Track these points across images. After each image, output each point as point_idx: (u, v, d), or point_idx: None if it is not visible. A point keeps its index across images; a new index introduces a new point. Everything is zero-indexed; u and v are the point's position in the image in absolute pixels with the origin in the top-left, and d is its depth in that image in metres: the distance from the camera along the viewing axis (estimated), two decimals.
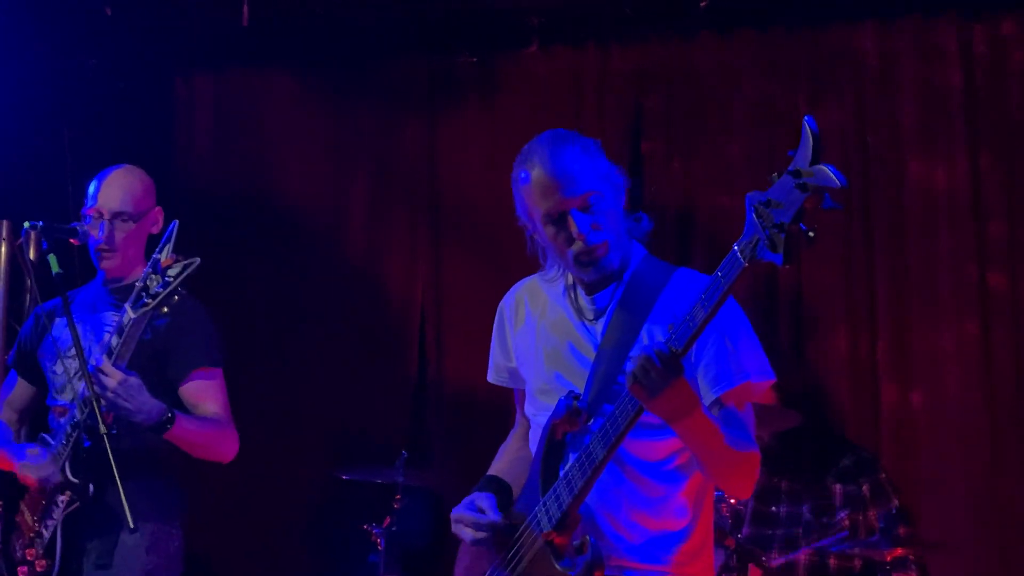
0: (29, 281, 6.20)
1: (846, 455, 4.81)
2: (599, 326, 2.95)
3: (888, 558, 4.24)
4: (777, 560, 4.51)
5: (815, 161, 2.34)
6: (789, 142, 5.75)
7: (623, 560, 2.83)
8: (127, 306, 3.65)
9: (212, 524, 5.40)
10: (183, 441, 3.91)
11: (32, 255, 6.21)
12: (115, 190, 4.09)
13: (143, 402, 3.73)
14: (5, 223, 6.25)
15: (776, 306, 5.47)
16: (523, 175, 2.92)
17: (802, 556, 4.66)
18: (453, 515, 2.96)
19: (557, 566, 2.79)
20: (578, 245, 2.87)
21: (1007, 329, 5.21)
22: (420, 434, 6.22)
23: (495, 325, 3.17)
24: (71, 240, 4.08)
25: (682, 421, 2.67)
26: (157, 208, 4.17)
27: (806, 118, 2.38)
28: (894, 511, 4.53)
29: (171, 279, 3.56)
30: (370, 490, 5.44)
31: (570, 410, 2.86)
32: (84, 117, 6.34)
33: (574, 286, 3.00)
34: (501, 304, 3.17)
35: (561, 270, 3.01)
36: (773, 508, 4.73)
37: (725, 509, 4.57)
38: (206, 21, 6.20)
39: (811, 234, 2.34)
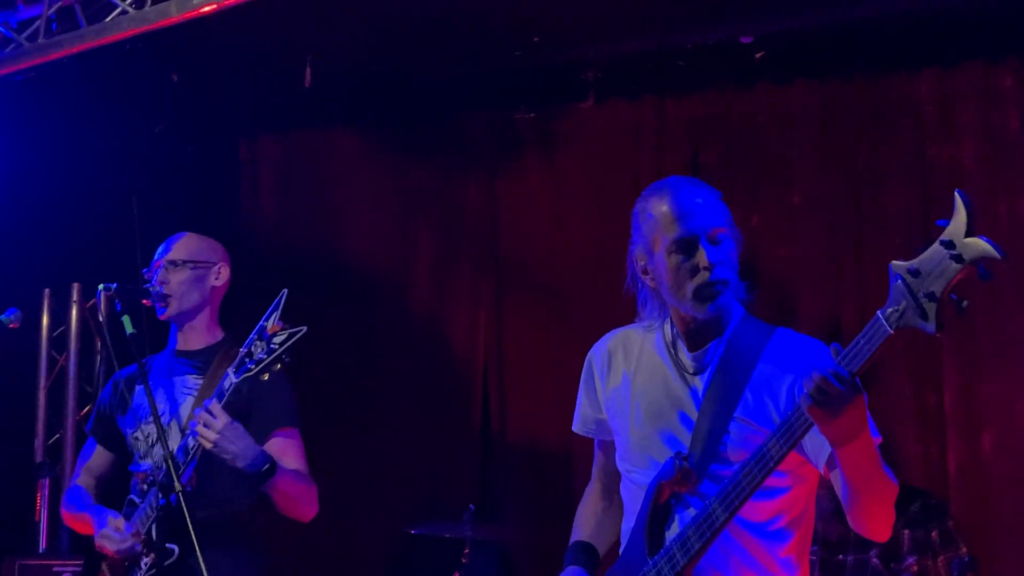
0: (99, 344, 6.39)
1: (914, 501, 4.78)
2: (700, 382, 2.93)
3: None
4: None
5: (970, 233, 2.38)
6: (848, 190, 5.83)
7: None
8: (230, 371, 3.71)
9: None
10: (279, 492, 3.93)
11: (103, 318, 6.37)
12: (175, 243, 4.22)
13: (248, 446, 3.78)
14: (76, 286, 6.40)
15: None
16: (652, 205, 2.92)
17: None
18: None
19: None
20: (703, 276, 2.85)
21: None
22: (487, 488, 6.24)
23: (583, 375, 3.15)
24: (144, 301, 4.14)
25: (852, 443, 2.64)
26: (221, 263, 4.23)
27: (957, 191, 2.41)
28: (966, 559, 4.48)
29: (276, 346, 3.61)
30: (439, 545, 5.45)
31: (680, 471, 2.84)
32: (153, 182, 6.46)
33: (673, 342, 3.00)
34: (590, 354, 3.15)
35: (660, 321, 3.01)
36: (840, 557, 4.69)
37: None
38: (270, 84, 6.33)
39: (964, 304, 2.40)
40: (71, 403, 6.31)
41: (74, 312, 6.36)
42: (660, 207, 2.89)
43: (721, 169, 6.00)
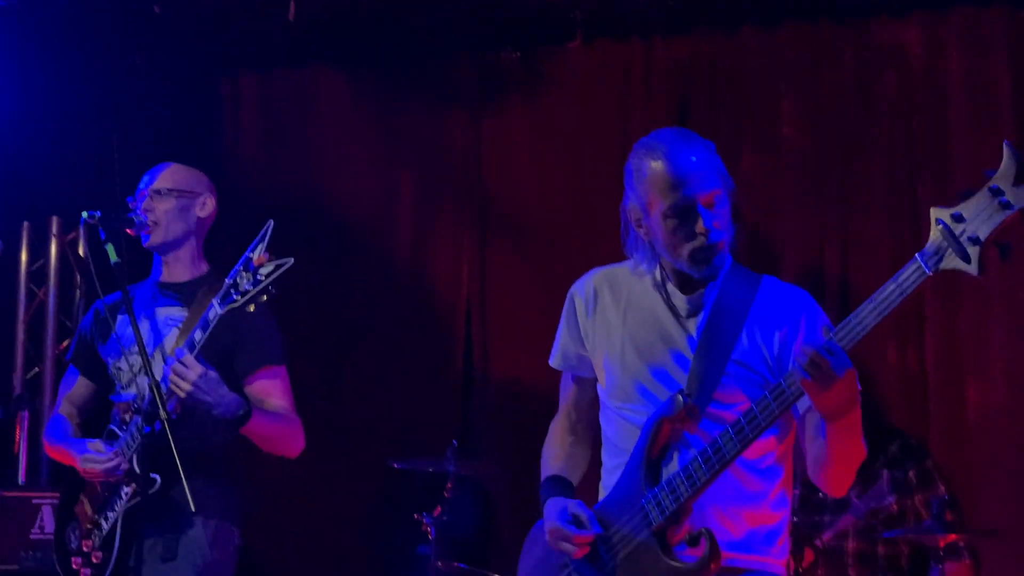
0: (79, 277, 6.36)
1: (894, 441, 4.83)
2: (693, 325, 2.98)
3: (941, 544, 4.23)
4: (828, 536, 4.56)
5: (1019, 182, 2.44)
6: (834, 133, 5.82)
7: (727, 552, 2.87)
8: (215, 301, 3.67)
9: (265, 517, 5.44)
10: (257, 435, 3.94)
11: (82, 251, 6.33)
12: (160, 172, 4.18)
13: (222, 395, 3.77)
14: (55, 219, 6.36)
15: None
16: (647, 167, 2.93)
17: (851, 544, 4.66)
18: (549, 527, 3.01)
19: (666, 559, 2.84)
20: (700, 240, 2.89)
21: None
22: (468, 425, 6.27)
23: (565, 311, 3.17)
24: (127, 231, 4.10)
25: (844, 417, 2.74)
26: (207, 194, 4.19)
27: (1005, 142, 2.49)
28: (945, 497, 4.52)
29: (262, 278, 3.57)
30: (421, 480, 5.47)
31: (684, 408, 2.88)
32: (132, 116, 6.41)
33: (664, 284, 3.03)
34: (573, 290, 3.17)
35: (650, 263, 3.03)
36: (821, 495, 4.73)
37: None
38: (253, 20, 6.26)
39: (1010, 247, 2.47)
40: (50, 337, 6.29)
41: (53, 246, 6.32)
42: (655, 169, 2.91)
43: (708, 111, 6.00)
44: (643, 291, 3.05)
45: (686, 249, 2.90)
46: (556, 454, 3.22)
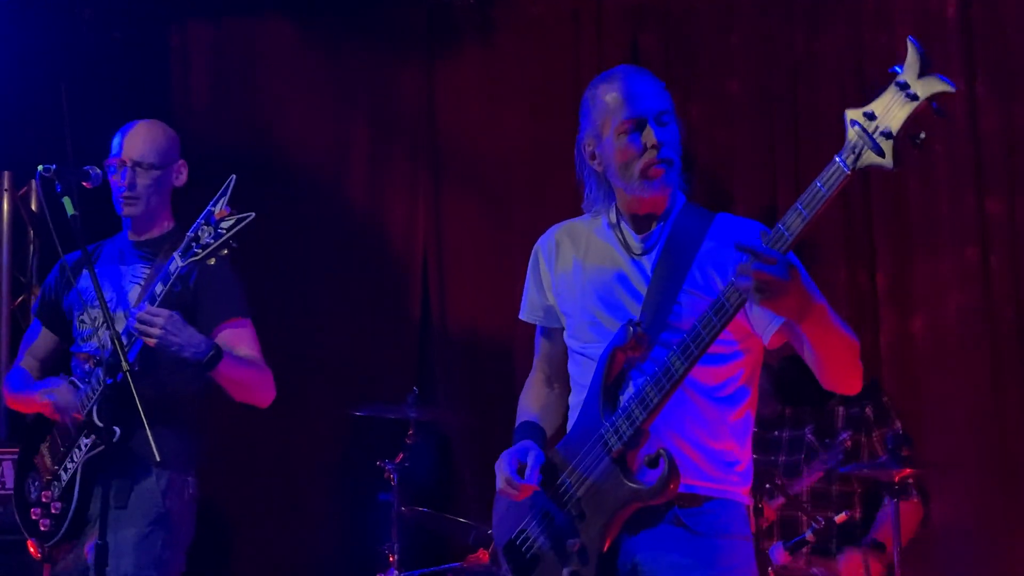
0: (32, 232, 6.30)
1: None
2: (647, 262, 3.07)
3: (896, 479, 4.31)
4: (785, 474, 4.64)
5: (923, 74, 2.50)
6: (787, 77, 5.87)
7: (689, 478, 2.93)
8: (176, 255, 3.70)
9: (226, 467, 5.46)
10: (227, 379, 3.97)
11: (35, 205, 6.29)
12: (138, 140, 4.14)
13: (191, 335, 3.80)
14: (7, 174, 6.29)
15: None
16: (601, 91, 3.07)
17: (805, 483, 4.74)
18: (500, 457, 3.09)
19: (628, 482, 2.90)
20: (650, 154, 3.00)
21: (1006, 254, 5.27)
22: (426, 373, 6.30)
23: (530, 265, 3.27)
24: (84, 183, 4.10)
25: (809, 315, 2.75)
26: (181, 161, 4.21)
27: (909, 37, 2.54)
28: (899, 432, 4.60)
29: (224, 231, 3.61)
30: (383, 427, 5.50)
31: (634, 336, 2.96)
32: (81, 68, 6.35)
33: (619, 225, 3.13)
34: (537, 245, 3.28)
35: (606, 208, 3.14)
36: (776, 433, 4.81)
37: None
38: None
39: (921, 138, 2.51)
40: (4, 293, 6.23)
41: (5, 201, 6.26)
42: (610, 92, 3.05)
43: (660, 57, 6.02)
44: (600, 233, 3.16)
45: (638, 166, 3.01)
46: (530, 404, 3.30)
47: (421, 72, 6.47)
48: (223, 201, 3.63)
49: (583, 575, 2.97)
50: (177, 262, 3.70)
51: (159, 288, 3.75)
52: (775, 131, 5.79)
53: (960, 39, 5.43)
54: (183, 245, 3.68)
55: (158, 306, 3.75)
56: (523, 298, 3.30)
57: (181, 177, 4.19)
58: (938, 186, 5.40)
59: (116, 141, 4.16)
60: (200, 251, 3.63)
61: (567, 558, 2.99)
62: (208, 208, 3.64)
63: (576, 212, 3.28)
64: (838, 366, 2.92)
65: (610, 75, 3.10)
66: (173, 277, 3.72)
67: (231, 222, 3.61)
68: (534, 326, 3.34)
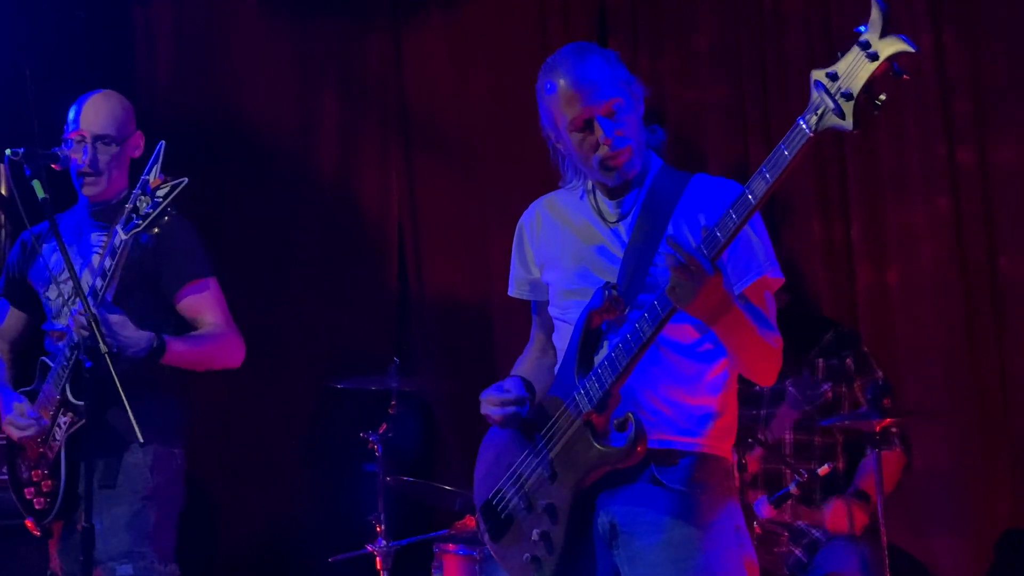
0: (2, 215, 6.25)
1: (827, 331, 4.92)
2: (623, 228, 3.07)
3: (877, 428, 4.34)
4: (767, 428, 4.67)
5: (886, 34, 2.47)
6: (754, 34, 5.87)
7: (663, 434, 2.95)
8: (118, 228, 3.70)
9: (209, 442, 5.46)
10: (182, 362, 3.99)
11: (4, 189, 6.22)
12: (97, 113, 4.12)
13: (128, 336, 3.81)
14: None
15: None
16: (548, 85, 3.04)
17: (788, 436, 4.77)
18: (481, 397, 3.10)
19: (597, 445, 2.92)
20: (603, 150, 3.00)
21: (977, 203, 5.29)
22: (404, 343, 6.30)
23: (515, 242, 3.29)
24: (52, 166, 4.07)
25: (721, 319, 2.79)
26: (138, 132, 4.21)
27: None
28: (880, 382, 4.63)
29: (160, 199, 3.61)
30: (365, 397, 5.51)
31: (609, 299, 2.97)
32: (46, 48, 6.28)
33: (594, 192, 3.13)
34: (520, 221, 3.29)
35: (581, 179, 3.15)
36: (757, 388, 4.83)
37: None
38: None
39: (881, 98, 2.50)
40: None
41: None
42: (554, 87, 3.03)
43: (627, 15, 6.01)
44: (576, 205, 3.17)
45: (594, 160, 3.02)
46: (522, 365, 3.33)
47: (388, 40, 6.45)
48: (156, 168, 3.64)
49: (553, 535, 3.00)
50: (120, 235, 3.69)
51: (108, 263, 3.75)
52: (744, 87, 5.78)
53: None
54: (124, 217, 3.68)
55: (110, 280, 3.74)
56: (510, 274, 3.31)
57: (138, 149, 4.18)
58: (908, 137, 5.40)
59: (72, 113, 4.14)
60: (140, 222, 3.63)
61: (538, 518, 3.02)
62: (143, 177, 3.65)
63: (547, 174, 3.28)
64: (746, 362, 2.97)
65: (553, 64, 3.05)
66: (120, 251, 3.71)
67: (166, 189, 3.61)
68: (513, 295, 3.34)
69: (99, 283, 3.76)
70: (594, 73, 3.00)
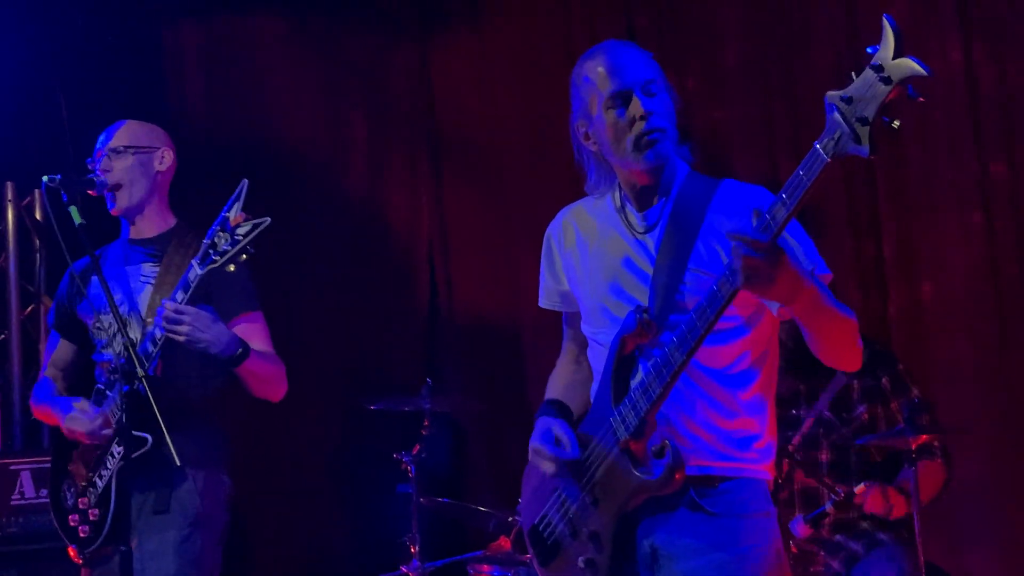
0: (38, 242, 6.32)
1: (862, 350, 4.88)
2: (651, 240, 3.03)
3: (913, 445, 4.31)
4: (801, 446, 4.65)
5: (898, 55, 2.44)
6: (782, 51, 5.86)
7: (701, 460, 2.93)
8: (195, 263, 3.72)
9: (243, 464, 5.46)
10: (252, 374, 4.00)
11: (39, 215, 6.29)
12: (115, 131, 4.18)
13: (220, 332, 3.82)
14: (10, 185, 6.30)
15: None
16: (586, 69, 3.04)
17: (824, 455, 4.75)
18: (532, 446, 3.09)
19: (635, 472, 2.90)
20: (639, 125, 2.96)
21: (1009, 217, 5.27)
22: (435, 363, 6.31)
23: (543, 252, 3.25)
24: (89, 192, 4.11)
25: (797, 299, 2.75)
26: (165, 148, 4.21)
27: (885, 16, 2.47)
28: (916, 400, 4.60)
29: (240, 238, 3.61)
30: (398, 419, 5.52)
31: (641, 323, 2.94)
32: (77, 75, 6.34)
33: (622, 205, 3.10)
34: (547, 231, 3.26)
35: (609, 188, 3.12)
36: (793, 412, 4.80)
37: None
38: None
39: (895, 124, 2.47)
40: (14, 304, 6.24)
41: (10, 212, 6.26)
42: (594, 68, 3.02)
43: (655, 34, 6.02)
44: (604, 216, 3.13)
45: (629, 139, 2.97)
46: (556, 382, 3.31)
47: (415, 59, 6.49)
48: (237, 206, 3.64)
49: (598, 562, 2.99)
50: (196, 270, 3.71)
51: (180, 296, 3.77)
52: (772, 103, 5.78)
53: (955, 2, 5.39)
54: (201, 252, 3.69)
55: None
56: (540, 285, 3.29)
57: (164, 162, 4.18)
58: (939, 152, 5.39)
59: (99, 140, 4.18)
60: (218, 258, 3.65)
61: (583, 545, 3.02)
62: (222, 214, 3.64)
63: (575, 191, 3.26)
64: (832, 345, 2.93)
65: (593, 52, 3.07)
66: (194, 285, 3.73)
67: (247, 227, 3.62)
68: (543, 310, 3.33)
69: (179, 296, 3.77)
70: (635, 54, 3.03)
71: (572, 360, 3.33)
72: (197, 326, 3.75)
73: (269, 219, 3.62)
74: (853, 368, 3.02)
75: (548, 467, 3.05)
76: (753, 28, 5.85)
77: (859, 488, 4.49)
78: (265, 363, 4.03)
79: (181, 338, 3.76)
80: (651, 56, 3.05)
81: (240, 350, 3.87)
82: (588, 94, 3.02)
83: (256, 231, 3.61)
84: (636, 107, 2.95)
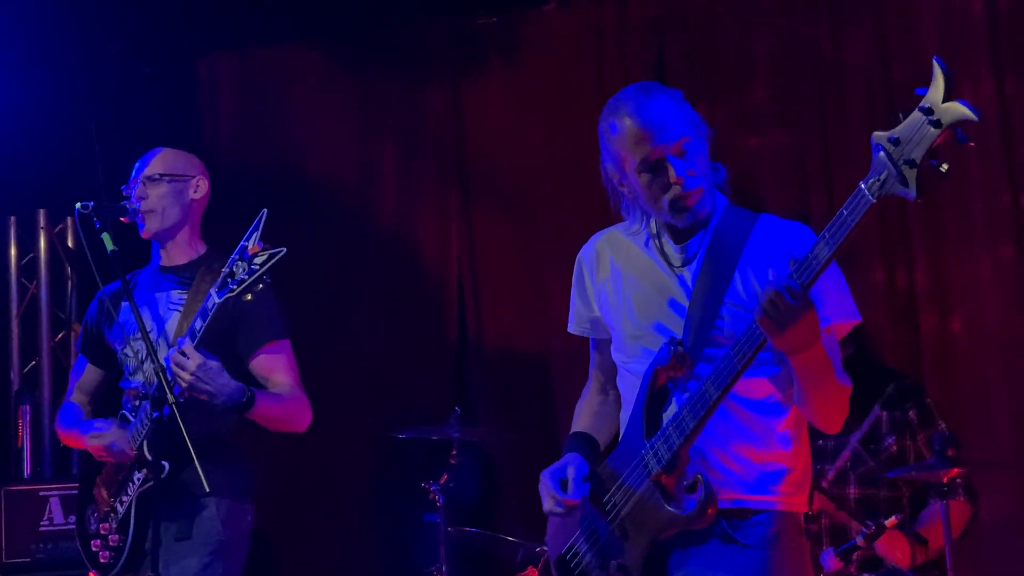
0: (69, 268, 6.37)
1: (890, 383, 4.85)
2: (688, 273, 3.01)
3: (944, 480, 4.28)
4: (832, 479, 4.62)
5: (948, 98, 2.42)
6: (812, 79, 5.85)
7: (735, 493, 2.92)
8: (212, 291, 3.73)
9: (271, 494, 5.46)
10: (263, 418, 4.00)
11: (71, 242, 6.35)
12: (151, 159, 4.21)
13: (223, 384, 3.81)
14: (42, 212, 6.36)
15: None
16: (614, 126, 2.97)
17: (852, 490, 4.71)
18: (541, 477, 3.07)
19: (667, 507, 2.88)
20: (675, 190, 2.92)
21: None
22: (463, 393, 6.31)
23: (575, 277, 3.22)
24: (122, 219, 4.14)
25: (802, 354, 2.76)
26: (199, 177, 4.24)
27: (935, 58, 2.45)
28: (944, 433, 4.56)
29: (257, 267, 3.63)
30: (426, 448, 5.51)
31: (675, 356, 2.92)
32: (111, 105, 6.41)
33: (658, 235, 3.06)
34: (579, 256, 3.23)
35: (644, 221, 3.08)
36: (821, 442, 4.76)
37: None
38: (226, 0, 6.25)
39: (944, 168, 2.44)
40: (45, 330, 6.30)
41: (42, 239, 6.33)
42: (621, 127, 2.95)
43: (685, 67, 6.03)
44: (640, 246, 3.10)
45: (664, 201, 2.93)
46: (583, 414, 3.29)
47: (447, 92, 6.50)
48: (256, 236, 3.66)
49: None
50: (214, 299, 3.72)
51: (198, 324, 3.78)
52: (803, 136, 5.77)
53: (988, 35, 5.39)
54: (219, 281, 3.71)
55: (199, 342, 3.78)
56: (570, 310, 3.26)
57: (199, 191, 4.22)
58: (971, 185, 5.37)
59: (135, 167, 4.22)
60: (236, 287, 3.66)
61: None
62: (242, 244, 3.66)
63: (605, 222, 3.24)
64: (820, 405, 2.92)
65: (618, 104, 2.98)
66: (211, 313, 3.75)
67: (264, 257, 3.63)
68: (572, 340, 3.31)
69: (187, 342, 3.78)
70: (662, 112, 2.92)
71: (599, 390, 3.31)
72: (200, 376, 3.75)
73: (285, 249, 3.64)
74: (831, 431, 3.01)
75: (547, 504, 3.04)
76: (786, 62, 5.85)
77: (890, 521, 4.45)
78: (275, 404, 4.01)
79: (184, 384, 3.76)
80: (679, 97, 2.99)
81: (245, 399, 3.86)
82: (618, 152, 2.98)
83: (272, 260, 3.63)
84: (670, 173, 2.91)
